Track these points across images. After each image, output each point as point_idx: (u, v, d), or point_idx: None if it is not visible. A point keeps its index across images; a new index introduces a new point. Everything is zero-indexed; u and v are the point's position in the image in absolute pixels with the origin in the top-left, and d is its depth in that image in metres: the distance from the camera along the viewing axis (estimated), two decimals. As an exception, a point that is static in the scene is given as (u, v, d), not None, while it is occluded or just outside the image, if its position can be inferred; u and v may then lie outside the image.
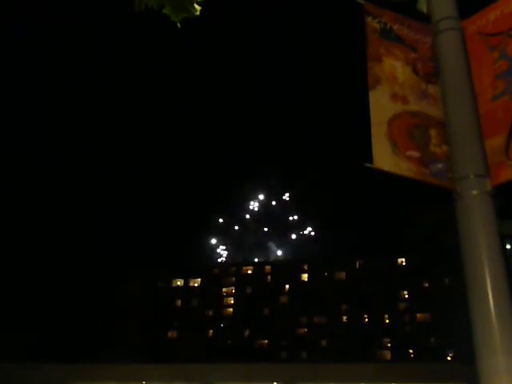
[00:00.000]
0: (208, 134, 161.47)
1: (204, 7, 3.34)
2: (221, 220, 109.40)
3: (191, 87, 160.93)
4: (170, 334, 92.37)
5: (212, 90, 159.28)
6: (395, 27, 3.52)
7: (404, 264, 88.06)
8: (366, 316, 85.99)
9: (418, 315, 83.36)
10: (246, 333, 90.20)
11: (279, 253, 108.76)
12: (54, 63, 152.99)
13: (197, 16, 3.32)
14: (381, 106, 3.21)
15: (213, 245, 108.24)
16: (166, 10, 3.28)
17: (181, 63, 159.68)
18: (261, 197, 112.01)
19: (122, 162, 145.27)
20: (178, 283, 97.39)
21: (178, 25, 3.31)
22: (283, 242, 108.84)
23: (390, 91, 3.28)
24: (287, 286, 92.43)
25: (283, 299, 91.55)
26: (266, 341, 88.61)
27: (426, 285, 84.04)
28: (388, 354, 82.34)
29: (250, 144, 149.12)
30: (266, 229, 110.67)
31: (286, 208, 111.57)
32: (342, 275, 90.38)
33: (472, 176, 2.90)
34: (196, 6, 3.31)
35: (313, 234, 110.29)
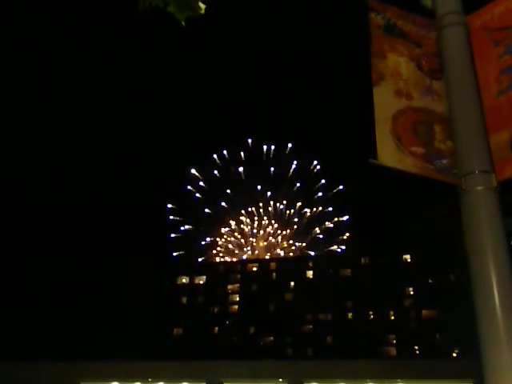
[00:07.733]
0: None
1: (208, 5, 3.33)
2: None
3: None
4: (175, 332, 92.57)
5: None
6: (399, 23, 3.50)
7: (409, 261, 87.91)
8: (371, 313, 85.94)
9: (424, 312, 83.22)
10: (252, 330, 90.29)
11: None
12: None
13: (201, 14, 3.31)
14: (385, 102, 3.20)
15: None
16: (170, 8, 3.27)
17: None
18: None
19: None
20: (184, 280, 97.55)
21: (183, 23, 3.31)
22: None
23: (395, 87, 3.27)
24: (292, 283, 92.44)
25: (288, 296, 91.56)
26: (272, 338, 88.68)
27: (431, 281, 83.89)
28: (393, 351, 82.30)
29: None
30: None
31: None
32: (347, 272, 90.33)
33: (477, 172, 2.89)
34: (201, 5, 3.30)
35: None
